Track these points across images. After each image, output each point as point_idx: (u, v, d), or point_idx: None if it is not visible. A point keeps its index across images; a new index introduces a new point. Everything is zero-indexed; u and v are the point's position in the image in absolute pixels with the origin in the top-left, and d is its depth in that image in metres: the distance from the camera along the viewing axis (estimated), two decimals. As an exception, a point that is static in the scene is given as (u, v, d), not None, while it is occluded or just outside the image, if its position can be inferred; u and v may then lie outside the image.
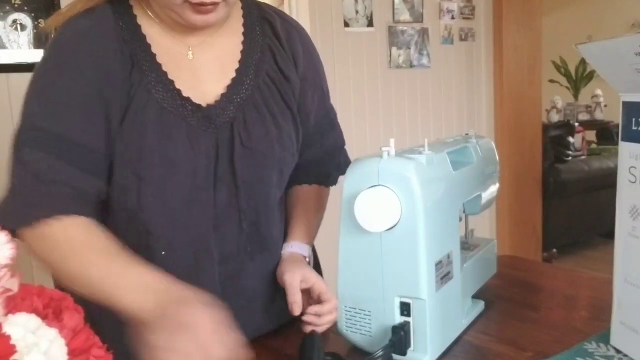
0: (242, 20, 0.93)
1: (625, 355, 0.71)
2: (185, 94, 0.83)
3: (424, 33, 3.07)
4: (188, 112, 0.83)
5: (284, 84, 0.92)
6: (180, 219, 0.83)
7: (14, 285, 0.41)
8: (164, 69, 0.83)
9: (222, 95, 0.86)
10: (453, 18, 3.20)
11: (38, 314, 0.41)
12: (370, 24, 2.86)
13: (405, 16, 3.00)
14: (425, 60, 3.09)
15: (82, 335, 0.42)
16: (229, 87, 0.87)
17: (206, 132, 0.83)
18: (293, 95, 0.93)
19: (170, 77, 0.83)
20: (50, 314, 0.42)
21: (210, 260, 0.85)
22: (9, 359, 0.36)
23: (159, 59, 0.84)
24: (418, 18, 3.04)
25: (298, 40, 0.96)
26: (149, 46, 0.84)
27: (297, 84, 0.94)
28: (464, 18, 3.27)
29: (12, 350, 0.37)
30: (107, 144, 0.80)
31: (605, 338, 0.75)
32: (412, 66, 3.04)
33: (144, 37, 0.84)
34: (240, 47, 0.90)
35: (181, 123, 0.82)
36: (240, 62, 0.89)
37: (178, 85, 0.83)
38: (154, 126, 0.80)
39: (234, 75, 0.88)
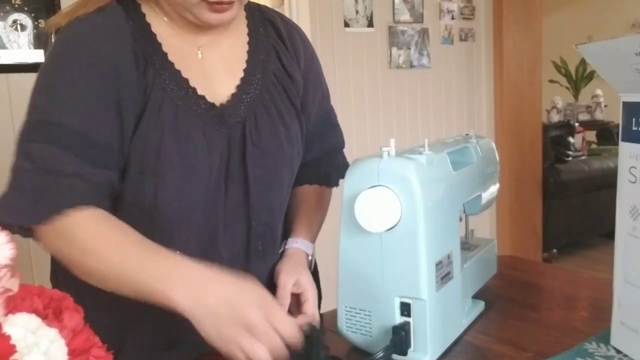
0: (245, 22, 0.93)
1: (625, 355, 0.71)
2: (199, 92, 0.83)
3: (424, 33, 3.07)
4: (202, 110, 0.83)
5: (289, 83, 0.92)
6: (193, 218, 0.83)
7: (13, 285, 0.41)
8: (177, 67, 0.83)
9: (233, 94, 0.86)
10: (453, 18, 3.20)
11: (38, 314, 0.41)
12: (370, 24, 2.86)
13: (405, 16, 3.00)
14: (425, 60, 3.09)
15: (82, 335, 0.42)
16: (239, 87, 0.87)
17: (219, 131, 0.84)
18: (297, 94, 0.94)
19: (184, 75, 0.83)
20: (50, 314, 0.42)
21: (218, 259, 0.85)
22: (8, 359, 0.36)
23: (170, 57, 0.83)
24: (418, 18, 3.04)
25: (299, 41, 0.97)
26: (160, 44, 0.83)
27: (301, 84, 0.95)
28: (464, 18, 3.27)
29: (12, 350, 0.37)
30: (120, 142, 0.78)
31: (605, 338, 0.75)
32: (412, 66, 3.04)
33: (154, 35, 0.83)
34: (246, 48, 0.91)
35: (197, 122, 0.82)
36: (247, 62, 0.89)
37: (192, 84, 0.83)
38: (170, 125, 0.80)
39: (242, 74, 0.88)
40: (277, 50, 0.93)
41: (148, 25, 0.83)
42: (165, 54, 0.83)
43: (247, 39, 0.91)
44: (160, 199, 0.80)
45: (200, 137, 0.82)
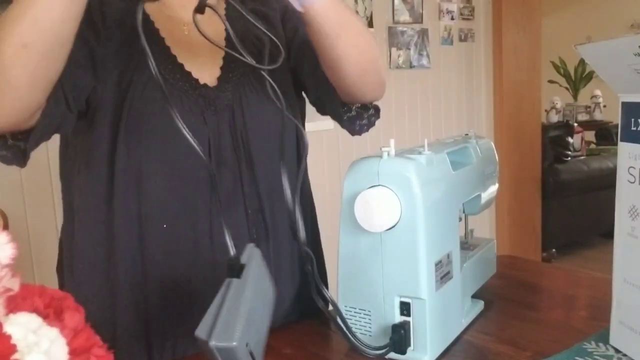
0: (224, 5, 0.96)
1: (625, 355, 0.71)
2: (187, 68, 0.87)
3: (423, 33, 3.07)
4: (187, 87, 0.85)
5: (268, 21, 0.94)
6: (181, 193, 0.84)
7: (14, 284, 0.42)
8: (167, 43, 0.87)
9: (218, 78, 0.88)
10: (452, 19, 3.20)
11: (39, 313, 0.41)
12: (370, 24, 2.86)
13: (405, 17, 3.00)
14: (424, 61, 3.10)
15: (83, 334, 0.43)
16: (222, 68, 0.89)
17: (207, 112, 0.85)
18: (280, 26, 0.96)
19: (173, 52, 0.87)
20: (51, 314, 0.42)
21: (212, 242, 0.84)
22: (9, 359, 0.37)
23: (162, 33, 0.87)
24: (417, 18, 3.05)
25: None
26: (153, 22, 0.87)
27: (278, 13, 0.97)
28: (464, 19, 3.27)
29: (13, 349, 0.37)
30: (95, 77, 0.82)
31: (604, 338, 0.75)
32: (411, 67, 3.05)
33: (147, 14, 0.87)
34: (223, 26, 0.93)
35: (181, 96, 0.84)
36: (226, 39, 0.91)
37: (180, 60, 0.87)
38: (154, 96, 0.82)
39: (223, 53, 0.90)
40: (254, 8, 0.95)
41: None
42: (158, 30, 0.87)
43: (223, 14, 0.93)
44: (144, 165, 0.82)
45: (185, 111, 0.83)
